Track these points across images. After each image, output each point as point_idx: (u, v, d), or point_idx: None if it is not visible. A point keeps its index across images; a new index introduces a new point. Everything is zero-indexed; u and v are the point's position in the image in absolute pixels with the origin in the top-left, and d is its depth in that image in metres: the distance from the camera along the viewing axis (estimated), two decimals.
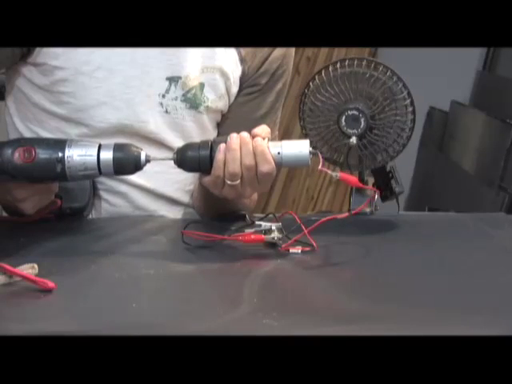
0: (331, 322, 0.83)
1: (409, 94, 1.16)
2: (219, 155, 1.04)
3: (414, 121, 1.17)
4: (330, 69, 1.16)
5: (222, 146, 1.05)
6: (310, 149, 1.04)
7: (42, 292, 0.87)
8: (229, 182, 1.05)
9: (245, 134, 1.05)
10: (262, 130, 1.07)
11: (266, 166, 1.05)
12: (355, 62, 1.16)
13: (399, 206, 1.27)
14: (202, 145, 1.06)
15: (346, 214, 1.08)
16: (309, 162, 1.05)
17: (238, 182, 1.05)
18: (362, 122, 1.13)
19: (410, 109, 1.16)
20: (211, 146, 1.05)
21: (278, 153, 1.05)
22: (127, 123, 1.23)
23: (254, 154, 1.04)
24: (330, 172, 1.06)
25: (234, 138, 1.05)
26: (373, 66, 1.16)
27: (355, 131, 1.14)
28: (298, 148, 1.05)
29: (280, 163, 1.05)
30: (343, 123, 1.14)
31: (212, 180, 1.06)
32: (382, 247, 1.12)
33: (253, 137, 1.05)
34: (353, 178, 1.08)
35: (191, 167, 1.07)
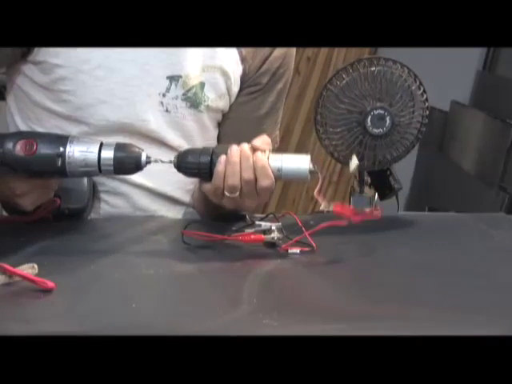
0: (331, 322, 0.83)
1: (424, 90, 1.16)
2: (219, 167, 1.05)
3: (428, 117, 1.17)
4: (350, 70, 1.15)
5: (223, 157, 1.05)
6: (310, 166, 1.05)
7: (42, 292, 0.87)
8: (228, 194, 1.06)
9: (245, 147, 1.05)
10: (263, 141, 1.07)
11: (266, 181, 1.05)
12: (374, 61, 1.15)
13: (399, 203, 1.27)
14: (203, 152, 1.06)
15: (346, 221, 1.07)
16: (308, 178, 1.05)
17: (237, 194, 1.06)
18: (388, 121, 1.13)
19: (426, 105, 1.16)
20: (212, 155, 1.05)
21: (278, 170, 1.05)
22: (127, 122, 1.23)
23: (254, 169, 1.05)
24: (323, 203, 1.04)
25: (235, 151, 1.05)
26: (390, 64, 1.15)
27: (380, 130, 1.13)
28: (298, 164, 1.05)
29: (279, 177, 1.06)
30: (369, 123, 1.13)
31: (212, 190, 1.07)
32: (382, 247, 1.12)
33: (253, 149, 1.05)
34: (348, 210, 1.06)
35: (191, 173, 1.07)
